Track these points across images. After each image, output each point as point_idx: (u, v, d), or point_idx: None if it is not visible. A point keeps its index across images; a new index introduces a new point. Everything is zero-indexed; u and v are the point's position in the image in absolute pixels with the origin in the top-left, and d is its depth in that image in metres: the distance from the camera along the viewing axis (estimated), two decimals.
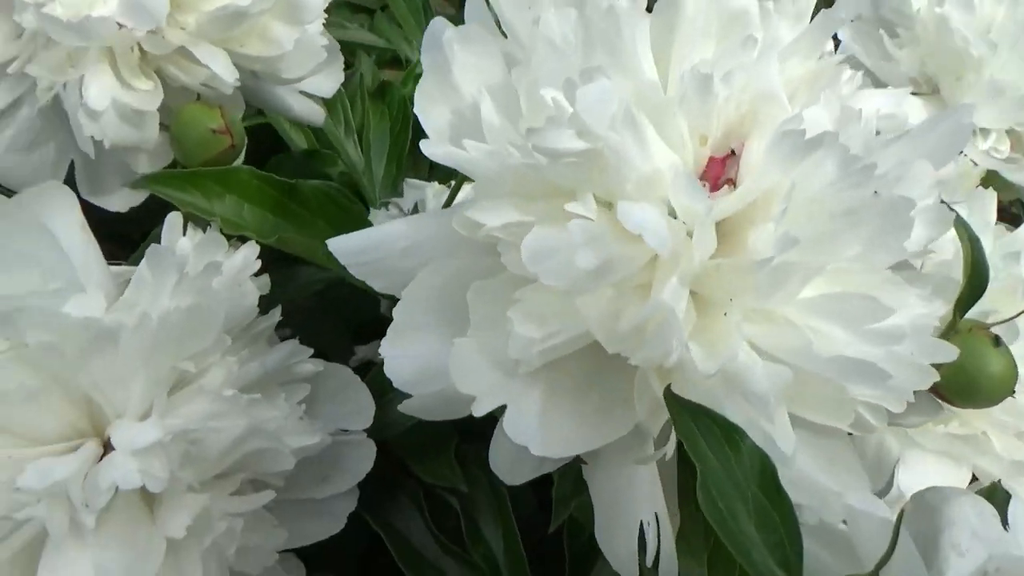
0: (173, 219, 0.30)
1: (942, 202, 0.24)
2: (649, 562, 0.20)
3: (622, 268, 0.19)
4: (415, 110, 0.23)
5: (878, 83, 0.48)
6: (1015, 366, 0.24)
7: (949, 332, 0.24)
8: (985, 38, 0.43)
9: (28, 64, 0.30)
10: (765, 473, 0.19)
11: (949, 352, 0.21)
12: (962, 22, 0.43)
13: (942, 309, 0.23)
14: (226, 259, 0.30)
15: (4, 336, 0.26)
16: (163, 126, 0.35)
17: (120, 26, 0.30)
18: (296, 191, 0.34)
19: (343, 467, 0.33)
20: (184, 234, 0.31)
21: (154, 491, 0.25)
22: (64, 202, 0.30)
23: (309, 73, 0.37)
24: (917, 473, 0.34)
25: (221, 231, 0.31)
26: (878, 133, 0.23)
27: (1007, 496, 0.27)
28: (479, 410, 0.20)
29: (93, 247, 0.31)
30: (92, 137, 0.31)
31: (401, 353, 0.21)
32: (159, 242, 0.30)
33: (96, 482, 0.25)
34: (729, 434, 0.19)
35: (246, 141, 0.35)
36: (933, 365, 0.22)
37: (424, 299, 0.22)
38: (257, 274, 0.31)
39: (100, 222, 0.33)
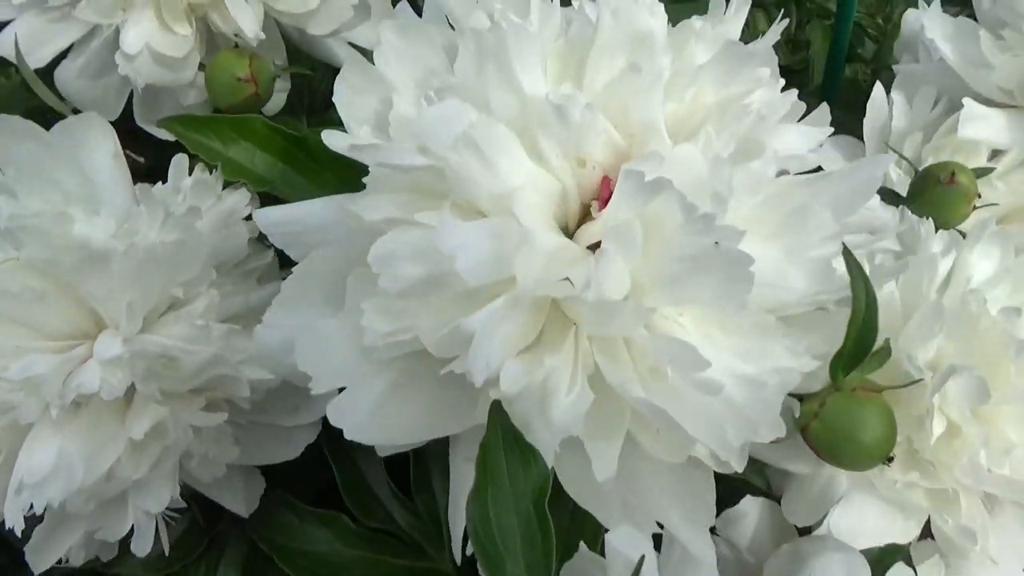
0: (179, 160, 0.34)
1: (847, 255, 0.23)
2: (457, 556, 0.21)
3: (449, 284, 0.20)
4: (334, 99, 0.24)
5: (965, 91, 0.43)
6: (891, 435, 0.23)
7: (830, 389, 0.23)
8: None
9: (79, 6, 0.34)
10: (541, 495, 0.19)
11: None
12: None
13: (810, 365, 0.22)
14: (217, 202, 0.33)
15: (12, 248, 0.30)
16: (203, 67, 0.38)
17: None
18: (305, 142, 0.36)
19: (313, 402, 0.37)
20: (190, 175, 0.34)
21: (107, 398, 0.29)
22: (99, 132, 0.35)
23: (343, 27, 0.39)
24: (854, 516, 0.32)
25: (223, 176, 0.34)
26: (785, 173, 0.22)
27: (892, 564, 0.26)
28: (316, 389, 0.22)
29: (121, 175, 0.35)
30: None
31: (275, 322, 0.23)
32: None
33: (68, 382, 0.30)
34: (525, 454, 0.20)
35: (273, 88, 0.38)
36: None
37: (312, 276, 0.24)
38: None
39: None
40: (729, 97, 0.22)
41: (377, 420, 0.22)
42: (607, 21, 0.22)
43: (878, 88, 0.45)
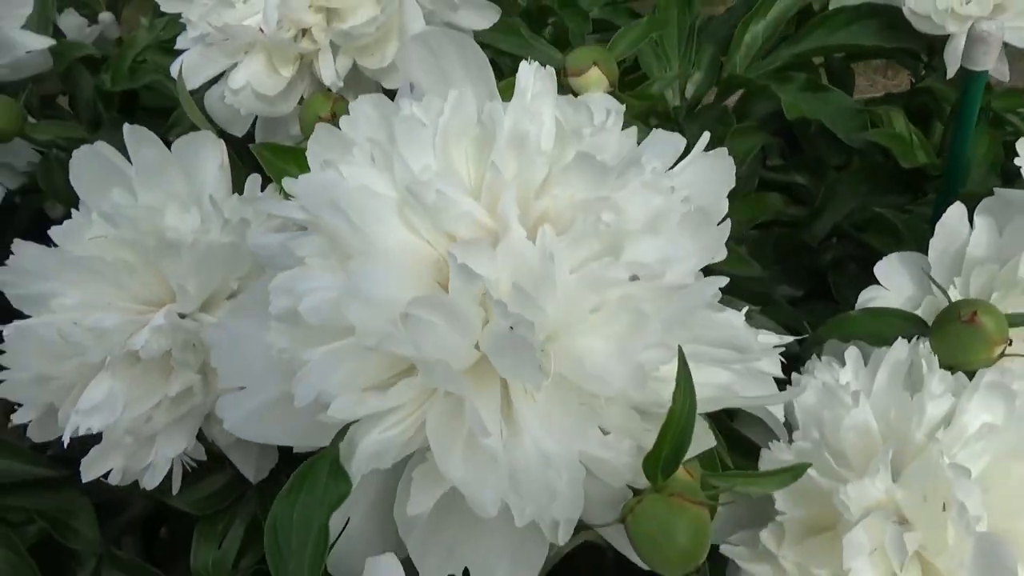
0: (253, 178, 0.41)
1: (681, 363, 0.23)
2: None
3: (301, 320, 0.24)
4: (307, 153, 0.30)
5: None
6: (697, 549, 0.23)
7: (645, 493, 0.24)
8: None
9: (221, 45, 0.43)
10: (332, 509, 0.23)
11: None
12: None
13: (621, 459, 0.23)
14: (271, 217, 0.40)
15: (111, 227, 0.39)
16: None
17: (261, 31, 0.41)
18: None
19: None
20: (262, 190, 0.42)
21: (144, 357, 0.37)
22: (211, 147, 0.43)
23: None
24: None
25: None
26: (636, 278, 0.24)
27: None
28: (222, 384, 0.27)
29: (223, 182, 0.43)
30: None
31: (224, 324, 0.29)
32: None
33: (127, 339, 0.38)
34: (339, 473, 0.23)
35: None
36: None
37: (261, 290, 0.29)
38: None
39: None
40: (587, 201, 0.24)
41: (255, 422, 0.26)
42: (502, 121, 0.25)
43: (957, 207, 0.42)
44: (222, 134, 0.49)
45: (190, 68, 0.47)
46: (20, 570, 0.47)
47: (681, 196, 0.26)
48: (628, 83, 0.50)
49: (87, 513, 0.48)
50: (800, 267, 0.61)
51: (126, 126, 0.41)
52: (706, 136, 0.30)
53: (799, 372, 0.38)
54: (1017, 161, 0.39)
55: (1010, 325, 0.35)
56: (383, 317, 0.23)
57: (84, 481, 0.40)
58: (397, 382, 0.24)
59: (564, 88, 0.34)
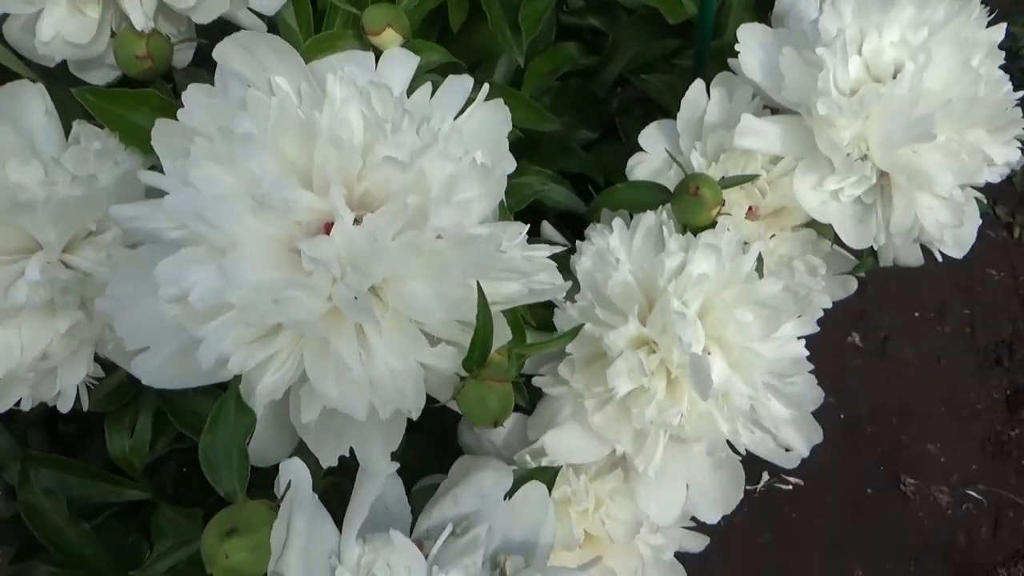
0: (84, 128, 0.44)
1: (479, 293, 0.33)
2: None
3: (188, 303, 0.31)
4: (152, 142, 0.35)
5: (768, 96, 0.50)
6: (505, 410, 0.35)
7: (469, 377, 0.35)
8: None
9: None
10: (245, 434, 0.32)
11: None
12: None
13: (445, 363, 0.33)
14: (114, 166, 0.44)
15: None
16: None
17: None
18: None
19: None
20: (97, 139, 0.45)
21: (31, 308, 0.42)
22: (32, 95, 0.45)
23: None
24: (562, 438, 0.45)
25: (124, 144, 0.45)
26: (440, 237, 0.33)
27: (530, 479, 0.38)
28: (127, 347, 0.34)
29: (53, 128, 0.46)
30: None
31: (111, 295, 0.35)
32: None
33: (8, 293, 0.43)
34: (244, 407, 0.32)
35: (171, 57, 0.48)
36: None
37: (139, 262, 0.35)
38: None
39: None
40: (396, 188, 0.32)
41: (165, 373, 0.34)
42: (319, 123, 0.31)
43: (697, 84, 0.52)
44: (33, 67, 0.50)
45: None
46: None
47: (468, 158, 0.34)
48: None
49: None
50: (595, 113, 0.71)
51: None
52: (486, 88, 0.38)
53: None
54: (741, 43, 0.49)
55: (723, 186, 0.47)
56: (257, 296, 0.31)
57: None
58: (275, 335, 0.33)
59: (365, 42, 0.40)
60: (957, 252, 0.49)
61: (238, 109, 0.34)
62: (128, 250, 0.38)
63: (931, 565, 1.22)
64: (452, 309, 0.33)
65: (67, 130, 0.47)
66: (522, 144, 0.64)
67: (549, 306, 0.47)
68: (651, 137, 0.53)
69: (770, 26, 0.67)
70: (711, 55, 0.62)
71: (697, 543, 0.51)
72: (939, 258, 0.50)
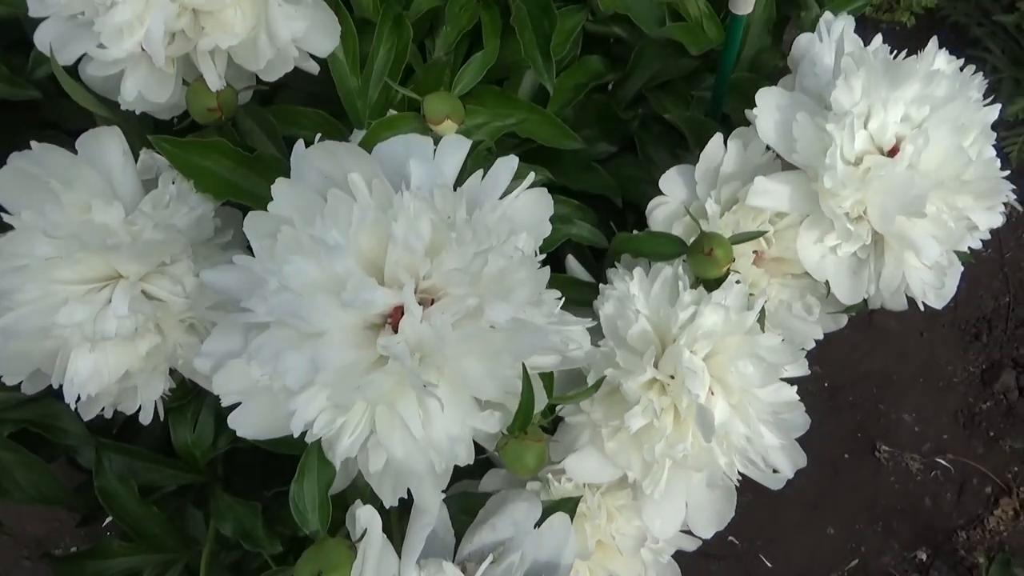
0: (148, 157, 0.49)
1: (524, 372, 0.39)
2: None
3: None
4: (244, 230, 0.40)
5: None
6: (539, 464, 0.41)
7: (510, 436, 0.41)
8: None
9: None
10: (328, 484, 0.39)
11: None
12: None
13: (495, 427, 0.40)
14: (190, 211, 0.49)
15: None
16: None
17: (143, 49, 0.46)
18: (258, 158, 0.51)
19: None
20: (172, 182, 0.50)
21: (119, 337, 0.48)
22: (109, 138, 0.50)
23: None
24: (581, 462, 0.51)
25: (196, 189, 0.49)
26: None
27: (556, 509, 0.45)
28: (224, 403, 0.40)
29: (129, 168, 0.51)
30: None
31: (207, 352, 0.41)
32: None
33: (96, 325, 0.48)
34: (326, 460, 0.39)
35: (236, 104, 0.52)
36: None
37: (233, 326, 0.41)
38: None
39: None
40: (459, 292, 0.37)
41: (258, 426, 0.40)
42: (395, 231, 0.37)
43: (716, 138, 0.56)
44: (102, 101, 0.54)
45: (58, 43, 0.50)
46: (32, 467, 0.61)
47: (519, 255, 0.39)
48: None
49: (69, 414, 0.61)
50: (615, 127, 0.75)
51: (35, 145, 0.47)
52: (531, 177, 0.43)
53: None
54: (759, 107, 0.53)
55: (734, 243, 0.52)
56: (341, 376, 0.37)
57: (86, 420, 0.53)
58: (352, 403, 0.39)
59: (423, 124, 0.44)
60: (938, 304, 0.55)
61: (317, 200, 0.39)
62: (219, 312, 0.43)
63: (897, 525, 1.33)
64: (502, 384, 0.39)
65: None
66: (543, 158, 0.69)
67: None
68: (671, 181, 0.58)
69: (782, 51, 0.71)
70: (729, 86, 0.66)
71: (691, 544, 0.58)
72: (921, 308, 0.56)
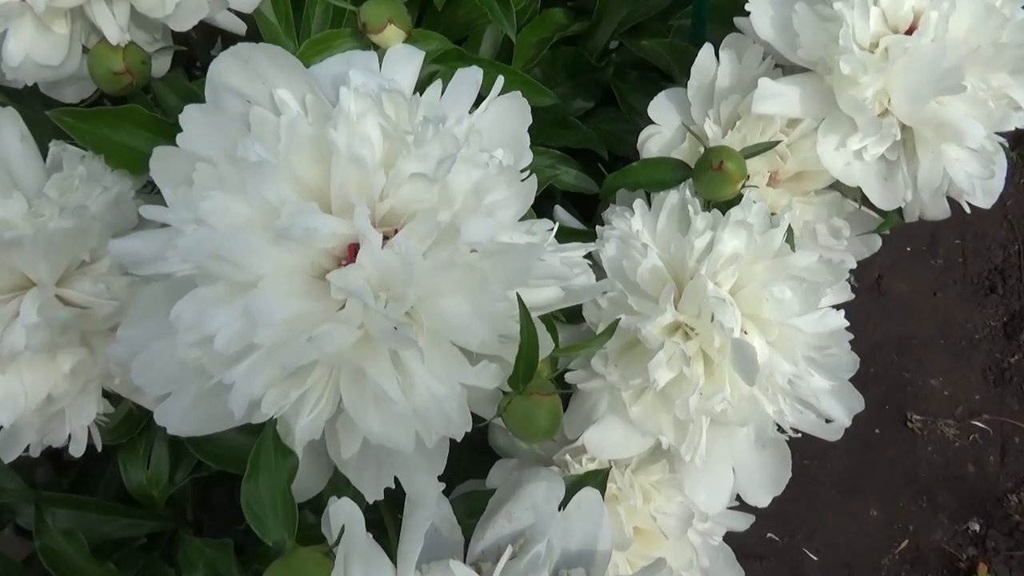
0: (66, 151, 0.41)
1: (521, 306, 0.31)
2: None
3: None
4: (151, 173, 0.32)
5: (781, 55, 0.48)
6: (554, 424, 0.33)
7: (515, 392, 0.33)
8: None
9: None
10: (289, 479, 0.30)
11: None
12: None
13: (492, 383, 0.31)
14: (104, 192, 0.41)
15: None
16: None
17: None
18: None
19: None
20: (80, 162, 0.42)
21: (32, 351, 0.39)
22: (5, 120, 0.42)
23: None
24: (602, 434, 0.43)
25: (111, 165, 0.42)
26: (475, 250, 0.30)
27: (581, 485, 0.37)
28: (149, 394, 0.32)
29: (30, 155, 0.43)
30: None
31: (123, 339, 0.33)
32: None
33: (3, 339, 0.40)
34: (284, 450, 0.30)
35: (150, 69, 0.44)
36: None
37: (151, 303, 0.33)
38: None
39: None
40: (425, 206, 0.29)
41: (192, 419, 0.32)
42: (336, 141, 0.29)
43: (707, 49, 0.49)
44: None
45: None
46: None
47: (495, 162, 0.32)
48: None
49: (2, 469, 0.52)
50: (589, 80, 0.68)
51: None
52: (500, 80, 0.35)
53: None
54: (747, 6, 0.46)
55: (746, 156, 0.45)
56: (287, 333, 0.29)
57: (7, 462, 0.44)
58: (308, 371, 0.31)
59: (364, 41, 0.37)
60: (986, 203, 0.48)
61: (241, 129, 0.31)
62: (134, 285, 0.35)
63: (943, 498, 1.24)
64: (493, 325, 0.31)
65: (43, 153, 0.44)
66: None
67: None
68: (661, 107, 0.51)
69: None
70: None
71: (743, 522, 0.50)
72: (967, 209, 0.49)
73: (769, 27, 0.47)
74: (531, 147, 0.55)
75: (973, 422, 1.28)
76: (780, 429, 0.44)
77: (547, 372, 0.34)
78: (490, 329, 0.31)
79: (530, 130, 0.64)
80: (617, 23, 0.68)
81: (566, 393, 0.42)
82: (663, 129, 0.51)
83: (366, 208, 0.29)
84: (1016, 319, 1.36)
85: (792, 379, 0.42)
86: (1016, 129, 0.44)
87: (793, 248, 0.43)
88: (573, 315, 0.45)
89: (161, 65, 0.47)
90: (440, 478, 0.35)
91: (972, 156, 0.45)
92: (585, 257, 0.38)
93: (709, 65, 0.49)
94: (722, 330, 0.40)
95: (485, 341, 0.31)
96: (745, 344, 0.39)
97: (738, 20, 0.50)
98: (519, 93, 0.35)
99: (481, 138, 0.33)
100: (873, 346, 1.33)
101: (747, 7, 0.46)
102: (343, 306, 0.29)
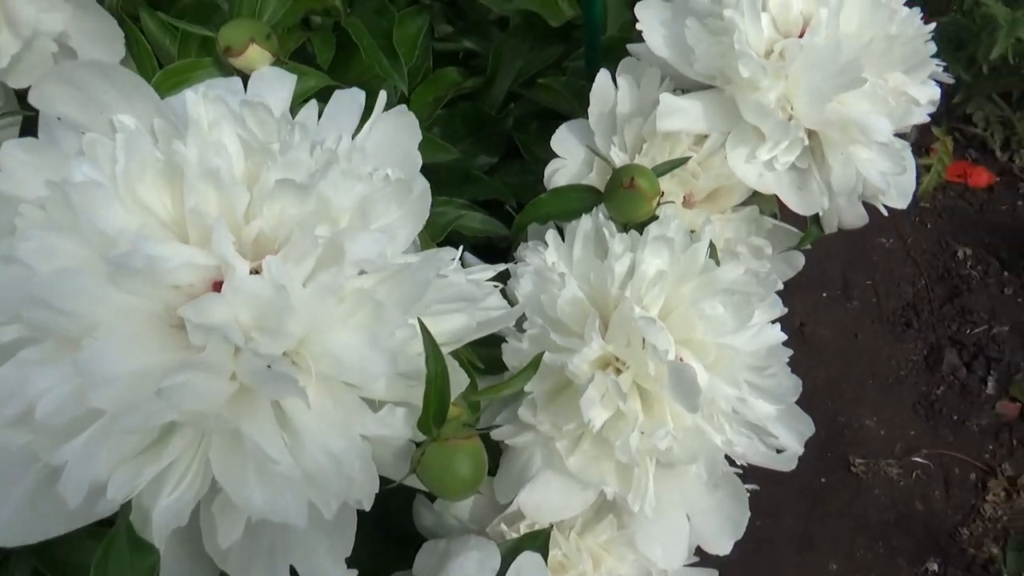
0: None
1: (424, 333, 0.26)
2: None
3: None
4: None
5: (679, 75, 0.46)
6: (478, 472, 0.28)
7: (425, 444, 0.28)
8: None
9: None
10: None
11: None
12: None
13: (401, 431, 0.26)
14: None
15: None
16: None
17: None
18: None
19: None
20: None
21: None
22: None
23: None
24: (540, 494, 0.38)
25: None
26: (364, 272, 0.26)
27: (519, 551, 0.31)
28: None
29: None
30: None
31: None
32: None
33: None
34: (141, 545, 0.24)
35: None
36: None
37: None
38: None
39: None
40: (298, 218, 0.25)
41: (23, 524, 0.25)
42: (187, 155, 0.24)
43: (603, 74, 0.48)
44: None
45: None
46: None
47: (380, 174, 0.27)
48: None
49: None
50: (490, 134, 0.66)
51: None
52: (383, 96, 0.32)
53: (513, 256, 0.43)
54: (641, 22, 0.45)
55: (657, 174, 0.42)
56: (133, 392, 0.23)
57: None
58: (167, 439, 0.25)
59: (227, 68, 0.33)
60: (901, 202, 0.47)
61: (73, 160, 0.26)
62: None
63: (898, 541, 1.21)
64: (393, 360, 0.26)
65: None
66: None
67: (493, 343, 0.40)
68: (564, 140, 0.48)
69: None
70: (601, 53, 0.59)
71: (708, 575, 0.45)
72: (884, 212, 0.48)
73: (663, 45, 0.45)
74: (435, 198, 0.51)
75: (913, 458, 1.27)
76: (731, 463, 0.40)
77: (465, 417, 0.29)
78: (390, 364, 0.26)
79: (434, 187, 0.61)
80: (513, 76, 0.67)
81: (486, 432, 0.37)
82: (567, 162, 0.48)
83: (226, 231, 0.24)
84: (935, 351, 1.38)
85: (736, 403, 0.38)
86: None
87: (718, 263, 0.40)
88: (493, 364, 0.41)
89: (8, 135, 0.42)
90: (351, 566, 0.29)
91: (882, 152, 0.43)
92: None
93: (608, 89, 0.48)
94: (656, 354, 0.36)
95: (386, 381, 0.26)
96: (682, 366, 0.35)
97: (631, 46, 0.48)
98: (405, 107, 0.31)
99: (365, 157, 0.29)
100: (806, 393, 1.32)
101: (638, 26, 0.45)
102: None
